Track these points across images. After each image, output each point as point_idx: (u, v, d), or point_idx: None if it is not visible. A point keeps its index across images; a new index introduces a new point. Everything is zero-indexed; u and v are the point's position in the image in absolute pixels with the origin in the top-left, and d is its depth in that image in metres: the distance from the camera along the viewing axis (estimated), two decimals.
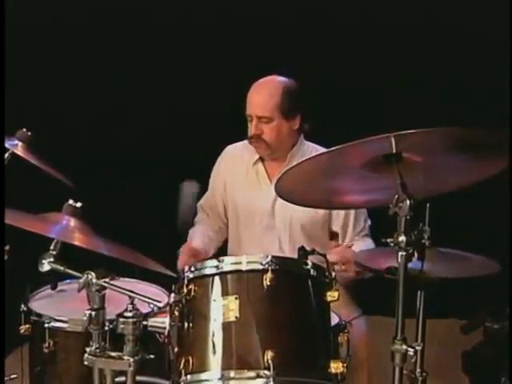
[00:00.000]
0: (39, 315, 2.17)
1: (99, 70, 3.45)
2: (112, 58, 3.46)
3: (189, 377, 1.72)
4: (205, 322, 1.74)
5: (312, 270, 1.82)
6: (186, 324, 1.75)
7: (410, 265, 1.75)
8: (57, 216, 1.95)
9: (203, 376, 1.72)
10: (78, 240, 1.92)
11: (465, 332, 2.77)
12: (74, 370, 2.14)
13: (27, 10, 3.28)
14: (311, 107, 2.60)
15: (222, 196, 2.66)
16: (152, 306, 1.77)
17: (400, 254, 1.72)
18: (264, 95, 2.45)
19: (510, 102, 3.08)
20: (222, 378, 1.70)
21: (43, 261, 1.87)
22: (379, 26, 3.48)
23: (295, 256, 2.29)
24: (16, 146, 2.27)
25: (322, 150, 2.50)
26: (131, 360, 1.74)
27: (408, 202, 1.69)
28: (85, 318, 1.73)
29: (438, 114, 3.25)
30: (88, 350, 1.77)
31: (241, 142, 2.67)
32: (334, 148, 1.69)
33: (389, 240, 1.72)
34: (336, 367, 1.72)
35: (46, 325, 2.12)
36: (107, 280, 1.75)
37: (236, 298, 1.72)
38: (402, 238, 1.71)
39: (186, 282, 1.78)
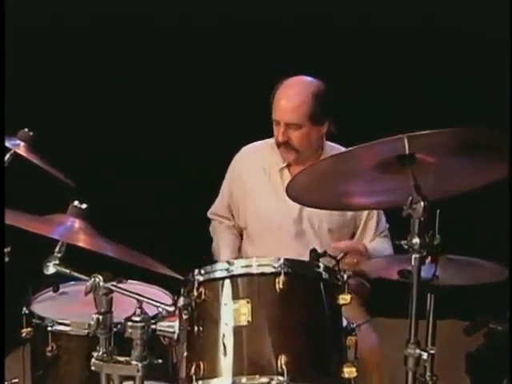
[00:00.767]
0: (41, 318, 2.13)
1: (99, 69, 3.43)
2: (112, 57, 3.43)
3: (200, 382, 1.69)
4: (215, 326, 1.71)
5: (324, 273, 1.79)
6: (195, 328, 1.72)
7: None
8: (61, 217, 1.91)
9: (214, 382, 1.69)
10: (82, 241, 1.88)
11: (468, 333, 2.75)
12: (77, 373, 2.11)
13: (27, 9, 3.26)
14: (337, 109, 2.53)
15: (242, 197, 2.56)
16: (161, 309, 1.73)
17: (414, 256, 1.69)
18: (293, 101, 2.33)
19: (510, 102, 3.07)
20: (234, 383, 1.67)
21: (48, 263, 1.83)
22: (380, 26, 3.46)
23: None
24: (18, 146, 2.23)
25: (343, 149, 2.44)
26: (139, 365, 1.70)
27: (422, 203, 1.66)
28: (92, 322, 1.69)
29: (446, 114, 3.24)
30: (95, 354, 1.73)
31: (258, 142, 2.59)
32: (346, 150, 1.67)
33: (402, 242, 1.69)
34: (349, 372, 1.69)
35: (49, 328, 2.08)
36: (115, 283, 1.71)
37: (248, 302, 1.69)
38: (416, 240, 1.68)
39: (196, 285, 1.75)
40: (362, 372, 1.82)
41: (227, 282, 1.74)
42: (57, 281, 2.27)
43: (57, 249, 1.86)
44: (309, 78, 2.43)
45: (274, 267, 1.71)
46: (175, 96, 3.47)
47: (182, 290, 1.80)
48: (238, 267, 1.75)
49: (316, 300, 1.76)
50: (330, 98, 2.40)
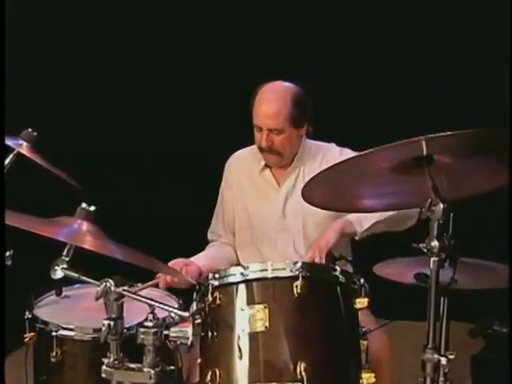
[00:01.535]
0: (45, 323, 2.08)
1: (99, 70, 3.41)
2: (112, 58, 3.42)
3: None
4: (231, 331, 1.67)
5: (341, 277, 1.76)
6: (209, 334, 1.68)
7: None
8: (69, 220, 1.86)
9: None
10: (89, 244, 1.82)
11: (473, 335, 2.73)
12: (82, 379, 2.07)
13: (27, 10, 3.24)
14: (315, 110, 2.52)
15: (233, 206, 2.57)
16: (173, 314, 1.68)
17: (432, 259, 1.66)
18: (273, 107, 2.35)
19: (510, 102, 3.05)
20: None
21: (56, 267, 1.78)
22: (380, 26, 3.44)
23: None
24: (21, 146, 2.19)
25: (322, 145, 2.52)
26: (152, 372, 1.66)
27: (441, 205, 1.63)
28: (103, 328, 1.64)
29: (445, 115, 3.23)
30: (105, 361, 1.68)
31: (245, 149, 2.62)
32: (363, 152, 1.64)
33: (421, 245, 1.66)
34: (367, 378, 1.66)
35: (54, 333, 2.03)
36: (126, 288, 1.66)
37: (265, 307, 1.65)
38: (435, 243, 1.65)
39: (210, 289, 1.70)
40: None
41: (243, 286, 1.71)
42: (59, 284, 2.22)
43: (64, 252, 1.82)
44: (286, 84, 2.45)
45: (292, 271, 1.67)
46: (176, 96, 3.46)
47: (195, 295, 1.75)
48: (253, 271, 1.72)
49: (334, 304, 1.73)
50: (307, 101, 2.44)
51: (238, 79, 3.41)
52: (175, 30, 3.44)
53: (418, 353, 2.88)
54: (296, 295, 1.66)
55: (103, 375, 1.69)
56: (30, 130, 2.23)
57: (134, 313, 1.84)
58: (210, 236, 2.63)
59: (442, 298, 1.96)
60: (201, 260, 2.34)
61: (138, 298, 1.68)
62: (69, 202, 1.94)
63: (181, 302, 2.16)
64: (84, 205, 1.85)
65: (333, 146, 2.52)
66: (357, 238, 2.27)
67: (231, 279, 1.73)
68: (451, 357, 1.69)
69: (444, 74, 3.41)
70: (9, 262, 2.11)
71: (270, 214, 2.48)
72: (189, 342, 1.65)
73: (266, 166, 2.50)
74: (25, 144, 2.21)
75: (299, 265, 1.69)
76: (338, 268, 1.77)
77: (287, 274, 1.69)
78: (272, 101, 2.36)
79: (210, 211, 2.68)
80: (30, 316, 2.12)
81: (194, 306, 1.69)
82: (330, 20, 3.47)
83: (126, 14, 3.39)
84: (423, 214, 1.65)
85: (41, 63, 3.30)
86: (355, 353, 1.73)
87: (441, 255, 1.65)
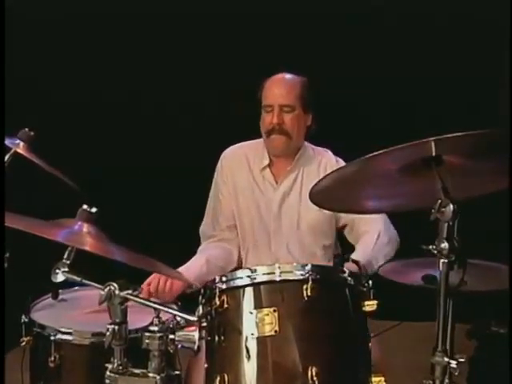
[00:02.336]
0: (42, 327, 2.03)
1: (99, 70, 3.41)
2: (111, 58, 3.43)
3: None
4: (239, 336, 1.63)
5: (349, 279, 1.73)
6: (216, 338, 1.64)
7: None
8: (69, 222, 1.82)
9: None
10: (89, 245, 1.78)
11: (471, 337, 2.73)
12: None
13: (27, 9, 3.24)
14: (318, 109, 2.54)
15: (231, 202, 2.52)
16: (179, 318, 1.64)
17: (442, 261, 1.64)
18: (286, 85, 2.42)
19: (510, 102, 3.06)
20: None
21: (57, 271, 1.74)
22: (381, 26, 3.48)
23: (303, 258, 2.27)
24: (18, 146, 2.14)
25: (320, 149, 2.53)
26: (157, 377, 1.62)
27: (451, 206, 1.61)
28: (108, 333, 1.60)
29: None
30: (109, 367, 1.64)
31: (238, 145, 2.59)
32: (372, 154, 1.61)
33: (430, 247, 1.64)
34: (378, 381, 1.63)
35: (52, 337, 1.98)
36: (130, 292, 1.62)
37: (274, 311, 1.61)
38: (445, 245, 1.63)
39: (217, 292, 1.67)
40: None
41: (251, 289, 1.67)
42: (56, 287, 2.18)
43: (65, 255, 1.77)
44: (292, 74, 2.50)
45: (302, 274, 1.64)
46: (177, 96, 3.47)
47: (200, 298, 1.71)
48: (261, 274, 1.68)
49: (343, 307, 1.70)
50: (312, 93, 2.48)
51: (238, 79, 3.41)
52: (175, 31, 3.46)
53: (413, 353, 2.88)
54: (306, 298, 1.63)
55: (107, 381, 1.64)
56: (26, 129, 2.19)
57: (135, 317, 1.80)
58: (202, 235, 2.58)
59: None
60: (193, 272, 2.28)
61: (143, 302, 1.64)
62: (67, 203, 1.90)
63: (179, 304, 2.14)
64: (85, 206, 1.80)
65: (328, 151, 2.54)
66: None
67: (238, 282, 1.69)
68: (462, 360, 1.67)
69: (450, 75, 3.43)
70: (5, 265, 2.06)
71: (265, 213, 2.45)
72: (195, 347, 1.61)
73: (268, 165, 2.48)
74: (22, 144, 2.17)
75: (309, 267, 1.66)
76: (346, 270, 1.74)
77: (297, 276, 1.66)
78: (284, 81, 2.44)
79: None
80: (26, 320, 2.07)
81: (200, 310, 1.66)
82: (331, 20, 3.49)
83: (127, 13, 3.41)
84: (432, 216, 1.62)
85: (40, 62, 3.30)
86: (365, 356, 1.70)
87: (450, 257, 1.63)
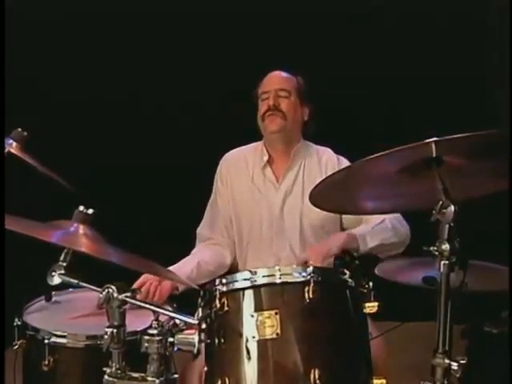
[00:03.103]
0: (36, 330, 2.00)
1: (98, 70, 3.41)
2: (110, 58, 3.43)
3: None
4: (240, 339, 1.62)
5: (350, 280, 1.72)
6: (216, 340, 1.62)
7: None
8: (65, 223, 1.79)
9: None
10: (84, 247, 1.76)
11: (464, 336, 2.72)
12: None
13: (27, 9, 3.25)
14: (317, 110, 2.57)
15: (230, 206, 2.51)
16: (178, 321, 1.62)
17: (443, 262, 1.63)
18: (282, 75, 2.51)
19: (510, 102, 3.06)
20: None
21: (53, 273, 1.71)
22: (381, 26, 3.49)
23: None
24: (11, 146, 2.13)
25: (319, 147, 2.54)
26: (157, 381, 1.60)
27: (452, 207, 1.60)
28: (106, 337, 1.58)
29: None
30: (108, 370, 1.62)
31: (238, 149, 2.60)
32: (374, 155, 1.61)
33: (431, 248, 1.63)
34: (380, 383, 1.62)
35: (46, 341, 1.95)
36: (129, 294, 1.60)
37: (276, 314, 1.60)
38: (446, 246, 1.62)
39: (218, 295, 1.65)
40: None
41: (252, 292, 1.66)
42: (49, 289, 2.15)
43: (61, 257, 1.74)
44: None
45: (304, 276, 1.63)
46: (177, 96, 3.48)
47: (199, 301, 1.69)
48: (261, 277, 1.67)
49: (344, 309, 1.69)
50: (310, 90, 2.54)
51: (237, 79, 3.38)
52: (175, 32, 3.47)
53: (407, 354, 2.87)
54: (307, 300, 1.61)
55: None
56: (19, 129, 2.17)
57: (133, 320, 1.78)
58: (199, 237, 2.57)
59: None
60: (183, 274, 2.27)
61: (142, 304, 1.62)
62: (61, 203, 1.88)
63: (175, 305, 2.12)
64: (81, 208, 1.78)
65: (328, 149, 2.55)
66: (355, 253, 2.23)
67: (239, 285, 1.68)
68: (462, 362, 1.66)
69: (450, 75, 3.44)
70: None
71: (268, 213, 2.44)
72: (195, 350, 1.59)
73: (268, 162, 2.48)
74: (14, 144, 2.14)
75: (310, 269, 1.64)
76: (347, 272, 1.73)
77: (298, 278, 1.65)
78: (280, 73, 2.52)
79: None
80: (19, 322, 2.04)
81: (199, 312, 1.64)
82: (331, 20, 3.50)
83: (126, 14, 3.41)
84: (433, 217, 1.61)
85: (40, 62, 3.30)
86: (366, 359, 1.69)
87: (451, 258, 1.62)
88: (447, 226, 1.62)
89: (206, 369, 1.65)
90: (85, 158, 3.35)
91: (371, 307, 1.69)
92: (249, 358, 1.60)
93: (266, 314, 1.61)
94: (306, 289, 1.61)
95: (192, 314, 1.67)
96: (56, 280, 1.72)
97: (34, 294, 2.20)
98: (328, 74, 3.33)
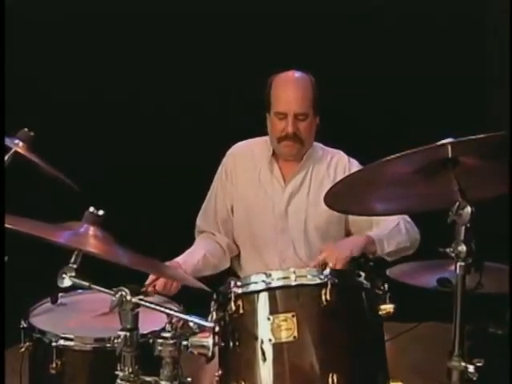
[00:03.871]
0: (43, 332, 1.98)
1: (98, 70, 3.38)
2: (110, 58, 3.39)
3: None
4: (255, 342, 1.60)
5: (365, 282, 1.70)
6: (231, 344, 1.60)
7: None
8: (75, 225, 1.76)
9: None
10: (94, 248, 1.73)
11: (468, 338, 2.70)
12: None
13: (27, 9, 3.21)
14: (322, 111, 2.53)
15: (232, 200, 2.48)
16: (192, 324, 1.60)
17: (459, 264, 1.61)
18: (300, 92, 2.34)
19: (510, 102, 3.06)
20: None
21: (64, 275, 1.67)
22: (381, 25, 3.46)
23: (310, 258, 2.25)
24: (18, 145, 2.12)
25: (329, 149, 2.51)
26: None
27: (469, 209, 1.59)
28: (119, 340, 1.55)
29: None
30: (120, 374, 1.59)
31: (245, 142, 2.55)
32: (389, 157, 1.59)
33: (447, 250, 1.61)
34: None
35: (54, 343, 1.93)
36: (142, 297, 1.57)
37: (293, 316, 1.58)
38: (463, 248, 1.60)
39: (233, 298, 1.63)
40: None
41: (267, 294, 1.64)
42: (54, 291, 2.13)
43: (72, 259, 1.71)
44: (300, 72, 2.45)
45: (321, 278, 1.61)
46: (177, 96, 3.44)
47: (213, 303, 1.67)
48: (277, 279, 1.65)
49: (360, 311, 1.68)
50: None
51: (238, 80, 3.38)
52: (175, 32, 3.43)
53: (406, 354, 2.86)
54: (324, 302, 1.60)
55: None
56: (26, 129, 2.16)
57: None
58: (197, 228, 2.54)
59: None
60: (190, 265, 2.26)
61: (155, 307, 1.59)
62: (67, 203, 1.86)
63: (181, 307, 2.10)
64: (92, 209, 1.75)
65: (340, 152, 2.51)
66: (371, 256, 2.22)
67: (256, 287, 1.66)
68: (479, 364, 1.64)
69: (451, 75, 3.42)
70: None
71: (272, 212, 2.41)
72: (210, 353, 1.57)
73: (275, 158, 2.44)
74: (21, 143, 2.13)
75: (327, 271, 1.62)
76: (362, 273, 1.71)
77: (314, 280, 1.63)
78: (297, 86, 2.36)
79: None
80: (25, 325, 2.01)
81: (213, 315, 1.61)
82: (331, 20, 3.47)
83: (126, 14, 3.38)
84: (450, 218, 1.60)
85: (40, 62, 3.27)
86: (383, 361, 1.68)
87: (468, 260, 1.61)
88: (463, 227, 1.60)
89: (220, 372, 1.63)
90: (85, 158, 3.32)
91: (387, 309, 1.67)
92: (264, 361, 1.59)
93: (281, 316, 1.59)
94: (323, 291, 1.60)
95: (200, 316, 1.64)
96: (67, 282, 1.68)
97: (37, 295, 2.17)
98: (328, 73, 3.29)
